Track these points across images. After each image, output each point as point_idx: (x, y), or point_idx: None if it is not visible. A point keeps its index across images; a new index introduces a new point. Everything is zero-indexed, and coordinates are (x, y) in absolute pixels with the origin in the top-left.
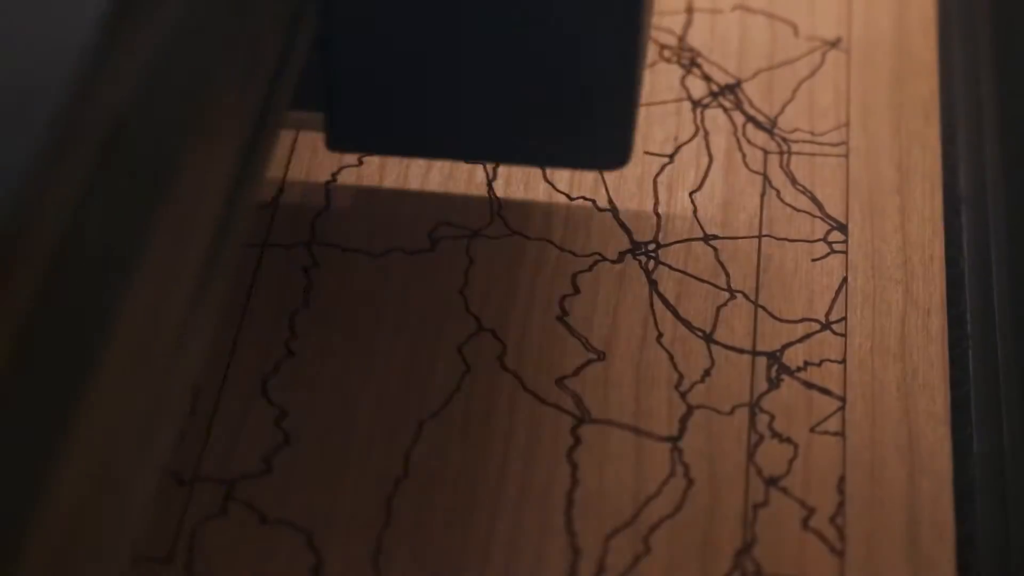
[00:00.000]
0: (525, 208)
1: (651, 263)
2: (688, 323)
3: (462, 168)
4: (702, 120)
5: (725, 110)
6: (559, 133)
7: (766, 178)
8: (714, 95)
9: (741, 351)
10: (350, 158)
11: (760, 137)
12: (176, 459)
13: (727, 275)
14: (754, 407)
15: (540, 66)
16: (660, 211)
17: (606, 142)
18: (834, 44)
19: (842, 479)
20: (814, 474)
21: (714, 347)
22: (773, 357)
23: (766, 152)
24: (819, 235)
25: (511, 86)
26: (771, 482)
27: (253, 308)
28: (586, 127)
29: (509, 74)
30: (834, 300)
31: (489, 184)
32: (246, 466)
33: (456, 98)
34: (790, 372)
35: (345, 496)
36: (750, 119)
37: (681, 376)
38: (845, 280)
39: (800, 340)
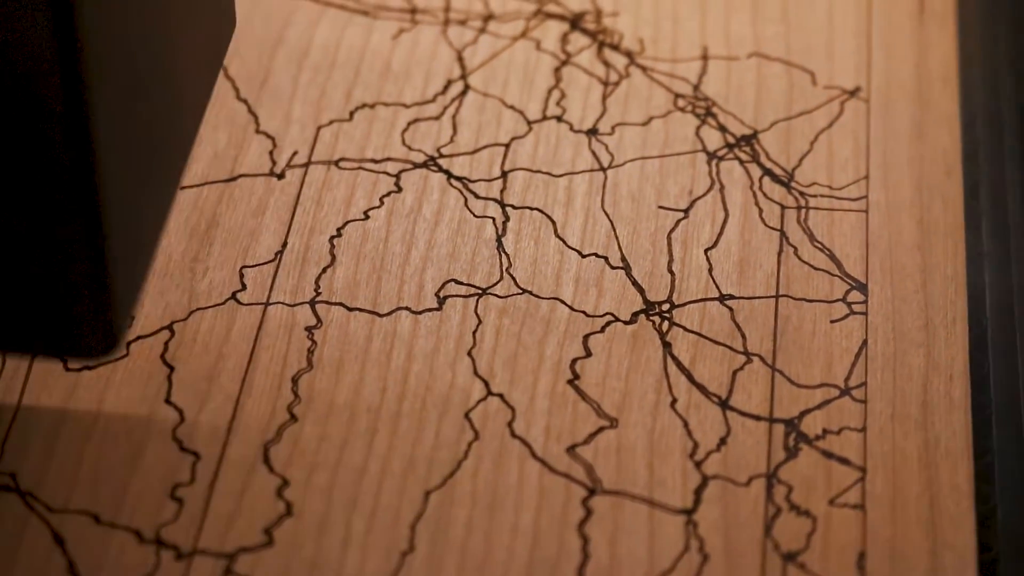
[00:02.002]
0: (535, 264)
1: (665, 324)
2: (703, 388)
3: (471, 222)
4: (718, 173)
5: (741, 162)
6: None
7: (783, 234)
8: (730, 147)
9: (758, 418)
10: (355, 211)
11: (777, 191)
12: (174, 531)
13: (743, 337)
14: (771, 478)
15: None
16: (674, 269)
17: (81, 327)
18: (853, 93)
19: (862, 555)
20: (833, 549)
21: (730, 413)
22: (791, 424)
23: (783, 207)
24: (838, 295)
25: None
26: (789, 558)
27: (255, 370)
28: (53, 310)
29: None
30: (853, 364)
31: (499, 239)
32: (246, 538)
33: None
34: (808, 441)
35: (349, 570)
36: (767, 172)
37: (696, 444)
38: (865, 343)
39: (819, 406)
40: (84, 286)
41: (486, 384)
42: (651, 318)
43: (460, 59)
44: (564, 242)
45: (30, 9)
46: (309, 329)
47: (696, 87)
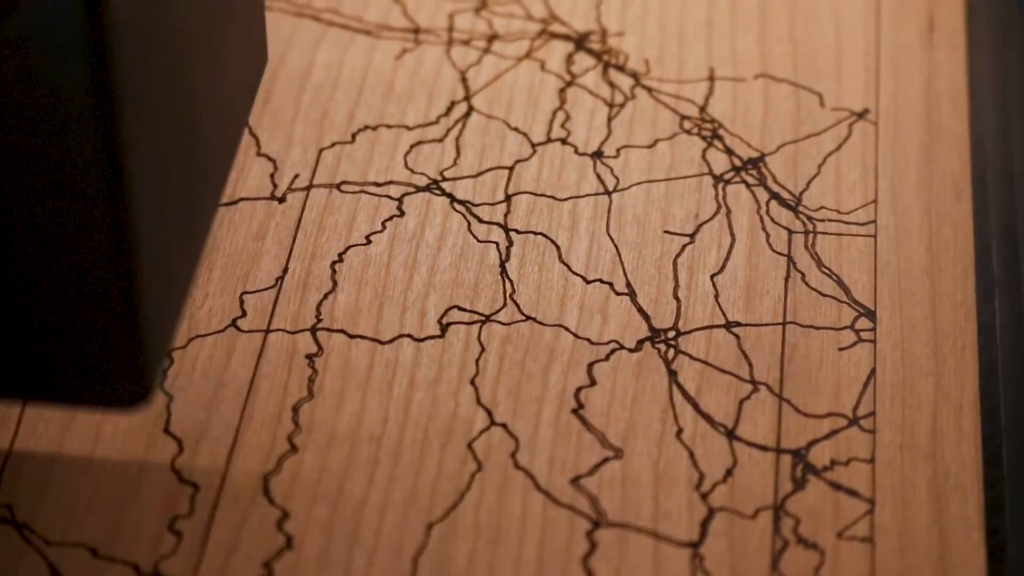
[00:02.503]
0: (539, 291)
1: (671, 352)
2: (709, 418)
3: (474, 247)
4: (724, 197)
5: (748, 186)
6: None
7: (791, 260)
8: (737, 170)
9: (765, 448)
10: (357, 235)
11: (784, 215)
12: (172, 564)
13: (750, 365)
14: (778, 510)
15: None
16: (680, 295)
17: (113, 376)
18: (861, 115)
19: None
20: None
21: (736, 444)
22: (798, 455)
23: (791, 232)
24: (846, 322)
25: None
26: None
27: (255, 398)
28: (81, 358)
29: None
30: (862, 393)
31: (502, 265)
32: (246, 572)
33: None
34: (816, 472)
35: None
36: (774, 196)
37: (702, 476)
38: (873, 372)
39: (826, 437)
40: (116, 337)
41: (489, 413)
42: (657, 346)
43: (464, 80)
44: (568, 267)
45: (67, 60)
46: (310, 357)
47: (702, 109)
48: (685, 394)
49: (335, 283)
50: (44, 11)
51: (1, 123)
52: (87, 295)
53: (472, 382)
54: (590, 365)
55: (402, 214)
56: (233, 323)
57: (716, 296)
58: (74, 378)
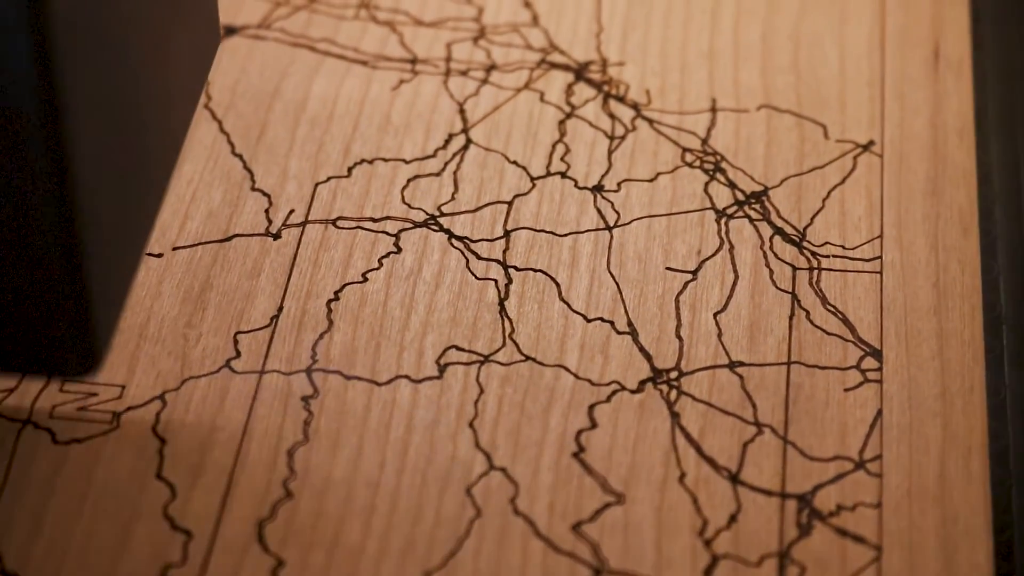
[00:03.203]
0: (539, 330)
1: (673, 393)
2: (713, 461)
3: (472, 285)
4: (727, 232)
5: (751, 220)
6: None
7: (795, 297)
8: (740, 204)
9: (769, 493)
10: (353, 273)
11: (788, 251)
12: None
13: (754, 407)
14: (784, 557)
15: None
16: (682, 334)
17: (61, 344)
18: (866, 147)
19: None
20: None
21: (740, 488)
22: (804, 500)
23: (795, 268)
24: (852, 362)
25: None
26: None
27: (249, 442)
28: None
29: None
30: (868, 435)
31: (501, 303)
32: None
33: None
34: (822, 517)
35: None
36: (778, 231)
37: (705, 521)
38: (880, 413)
39: (832, 481)
40: (63, 305)
41: (488, 457)
42: (659, 387)
43: (462, 111)
44: (569, 306)
45: (8, 33)
46: (305, 399)
47: (704, 141)
48: (688, 437)
49: (331, 322)
50: None
51: None
52: (32, 263)
53: (471, 425)
54: (591, 407)
55: (399, 250)
56: (227, 364)
57: (719, 335)
58: (22, 346)
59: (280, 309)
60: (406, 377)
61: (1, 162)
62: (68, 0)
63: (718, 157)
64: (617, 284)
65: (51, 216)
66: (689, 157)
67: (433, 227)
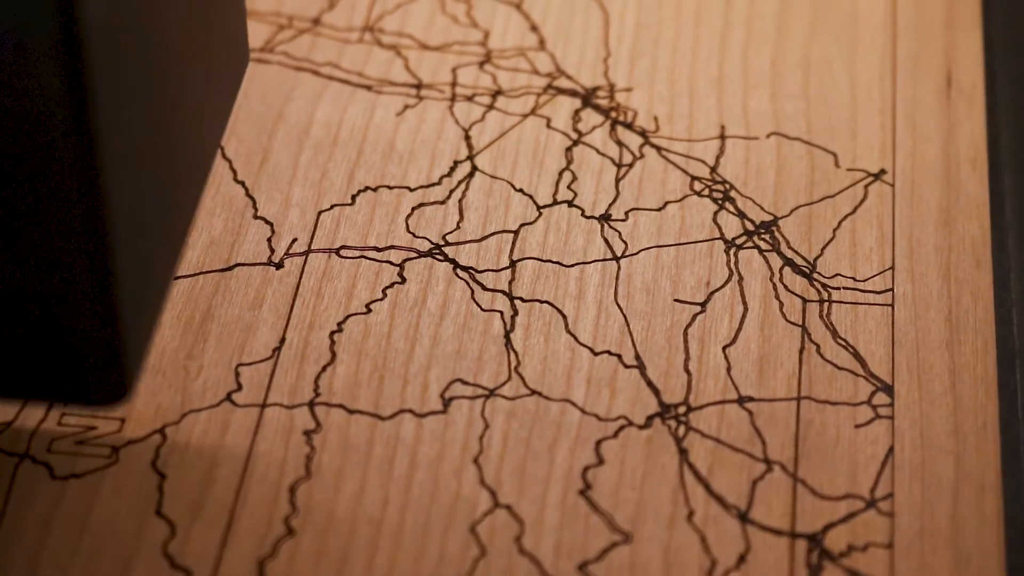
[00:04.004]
0: (545, 363)
1: (681, 429)
2: (722, 499)
3: (477, 316)
4: (736, 263)
5: (761, 251)
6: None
7: (805, 330)
8: (749, 234)
9: (779, 532)
10: (357, 304)
11: (799, 283)
12: None
13: (763, 443)
14: None
15: None
16: (691, 368)
17: (91, 372)
18: (877, 176)
19: None
20: None
21: (750, 527)
22: (814, 540)
23: (805, 300)
24: (863, 397)
25: None
26: None
27: (250, 478)
28: (60, 355)
29: None
30: (879, 473)
31: (507, 335)
32: None
33: None
34: (832, 558)
35: None
36: (788, 262)
37: (714, 562)
38: (891, 450)
39: (843, 520)
40: (94, 333)
41: (493, 494)
42: (667, 422)
43: (467, 138)
44: (575, 338)
45: (41, 59)
46: (308, 433)
47: (713, 169)
48: (696, 474)
49: (334, 354)
50: (16, 13)
51: None
52: (62, 286)
53: (475, 461)
54: (598, 442)
55: (403, 281)
56: (228, 397)
57: (728, 369)
58: (51, 374)
59: (282, 341)
60: (410, 411)
61: (32, 182)
62: (102, 19)
63: (727, 186)
64: (625, 316)
65: (83, 240)
66: (698, 185)
67: (438, 257)
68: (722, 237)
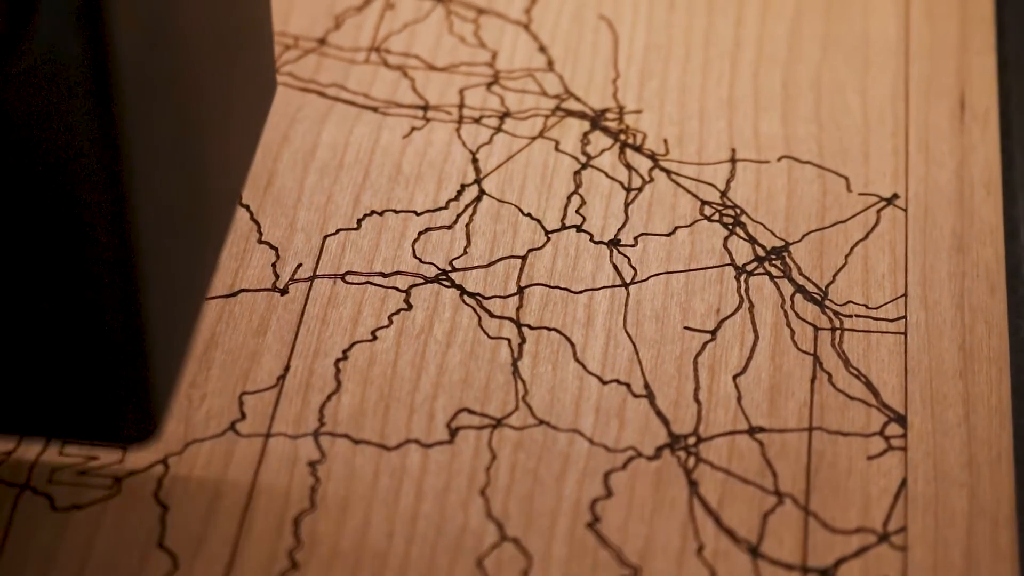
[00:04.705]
0: (553, 392)
1: (691, 460)
2: (732, 533)
3: (485, 344)
4: (747, 289)
5: (772, 278)
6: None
7: (817, 359)
8: (760, 260)
9: (790, 567)
10: (362, 331)
11: (810, 310)
12: None
13: (775, 475)
14: None
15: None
16: (701, 398)
17: (121, 411)
18: (890, 201)
19: None
20: None
21: (760, 562)
22: (826, 575)
23: (816, 328)
24: (875, 428)
25: None
26: None
27: (254, 510)
28: (85, 392)
29: None
30: (892, 506)
31: (514, 363)
32: None
33: None
34: None
35: None
36: (799, 289)
37: None
38: (904, 483)
39: (855, 555)
40: (123, 371)
41: (500, 527)
42: (676, 453)
43: (474, 161)
44: (584, 367)
45: (71, 96)
46: (312, 464)
47: (724, 193)
48: (706, 507)
49: (339, 383)
50: (47, 50)
51: (5, 162)
52: (93, 328)
53: (482, 492)
54: (606, 474)
55: (409, 307)
56: (232, 426)
57: (739, 399)
58: (81, 414)
59: (287, 369)
60: (416, 441)
61: (63, 220)
62: (134, 48)
63: (738, 210)
64: (634, 344)
65: (112, 273)
66: (708, 210)
67: (445, 283)
68: (732, 263)
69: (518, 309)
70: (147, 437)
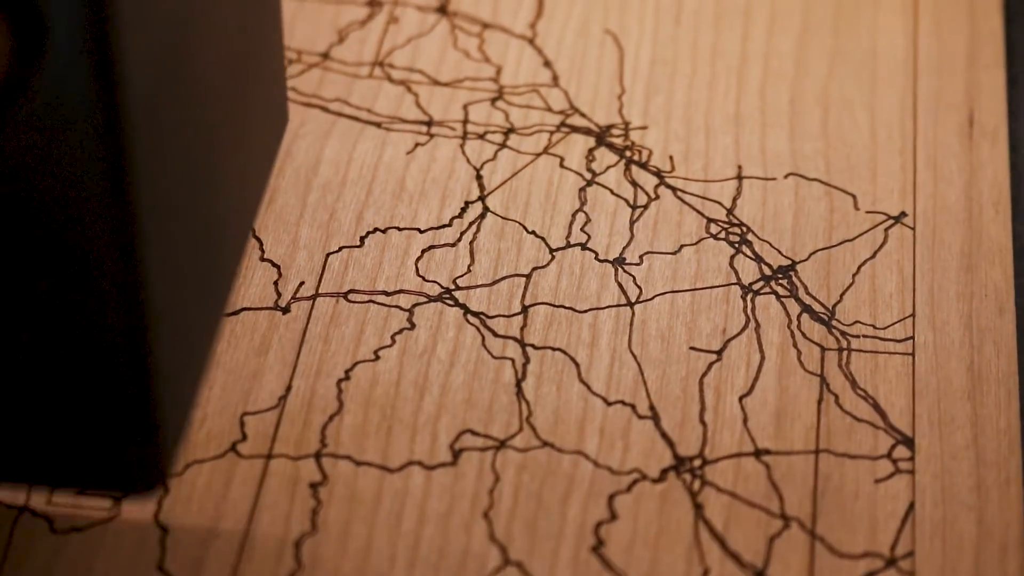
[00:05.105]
0: (557, 413)
1: (697, 483)
2: (738, 557)
3: (488, 364)
4: (753, 309)
5: (778, 297)
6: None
7: (823, 380)
8: (766, 279)
9: None
10: (365, 350)
11: (817, 331)
12: None
13: (781, 498)
14: None
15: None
16: (706, 419)
17: (128, 460)
18: (897, 219)
19: None
20: None
21: None
22: None
23: (823, 348)
24: (883, 450)
25: None
26: None
27: (255, 532)
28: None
29: None
30: (900, 530)
31: (518, 384)
32: None
33: None
34: None
35: None
36: (806, 308)
37: None
38: (912, 506)
39: None
40: (131, 420)
41: (503, 551)
42: (682, 476)
43: (479, 177)
44: (588, 387)
45: (80, 135)
46: (314, 486)
47: (730, 211)
48: (712, 530)
49: (341, 403)
50: (56, 90)
51: (11, 202)
52: (100, 376)
53: (485, 515)
54: (611, 497)
55: (412, 327)
56: (233, 447)
57: (744, 420)
58: (87, 462)
59: (288, 389)
60: (419, 463)
61: (71, 263)
62: (145, 87)
63: (744, 228)
64: (639, 364)
65: (122, 329)
66: (714, 228)
67: (448, 301)
68: (739, 282)
69: (522, 328)
70: (153, 487)
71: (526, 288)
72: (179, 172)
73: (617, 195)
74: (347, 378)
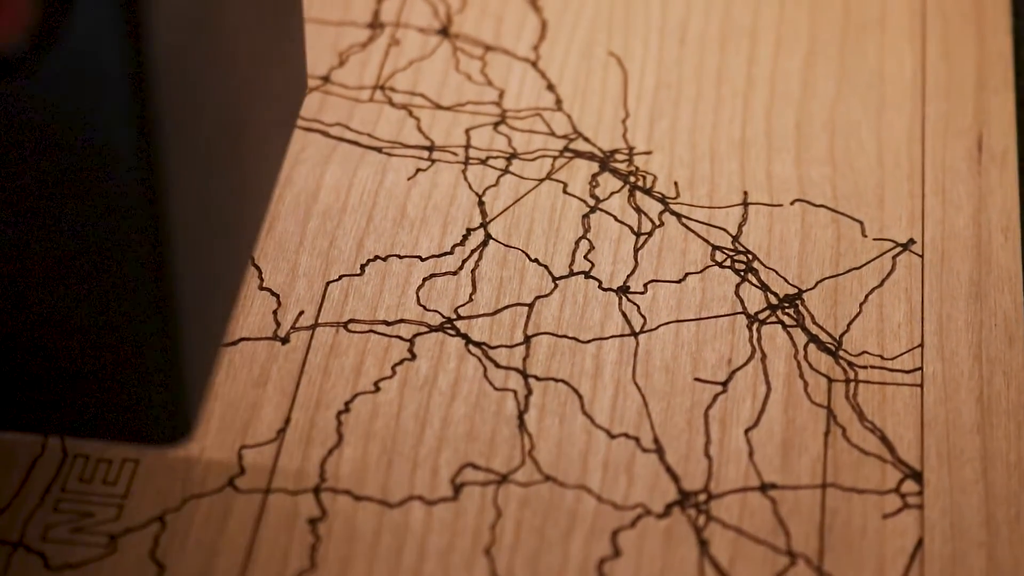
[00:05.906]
0: (560, 446)
1: (702, 518)
2: None
3: (490, 396)
4: (759, 339)
5: (785, 327)
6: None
7: (830, 412)
8: (772, 308)
9: None
10: (365, 382)
11: (824, 361)
12: None
13: (787, 534)
14: None
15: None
16: (712, 453)
17: (154, 412)
18: (905, 247)
19: None
20: None
21: None
22: None
23: (830, 380)
24: (891, 485)
25: None
26: None
27: (253, 569)
28: (109, 390)
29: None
30: (908, 567)
31: (520, 416)
32: None
33: None
34: None
35: None
36: (812, 339)
37: None
38: (921, 542)
39: None
40: (156, 371)
41: None
42: (686, 511)
43: (481, 203)
44: (592, 420)
45: (108, 95)
46: (313, 522)
47: (735, 238)
48: (717, 567)
49: (340, 436)
50: (84, 47)
51: (38, 162)
52: (126, 327)
53: (487, 551)
54: (614, 532)
55: (413, 357)
56: (231, 482)
57: (750, 453)
58: (113, 414)
59: (287, 421)
60: (419, 498)
61: (97, 218)
62: (173, 43)
63: (750, 256)
64: (643, 396)
65: (147, 281)
66: (719, 256)
67: (449, 331)
68: (744, 311)
69: (524, 359)
70: (180, 438)
71: (528, 317)
72: (205, 124)
73: (621, 222)
74: (347, 410)
